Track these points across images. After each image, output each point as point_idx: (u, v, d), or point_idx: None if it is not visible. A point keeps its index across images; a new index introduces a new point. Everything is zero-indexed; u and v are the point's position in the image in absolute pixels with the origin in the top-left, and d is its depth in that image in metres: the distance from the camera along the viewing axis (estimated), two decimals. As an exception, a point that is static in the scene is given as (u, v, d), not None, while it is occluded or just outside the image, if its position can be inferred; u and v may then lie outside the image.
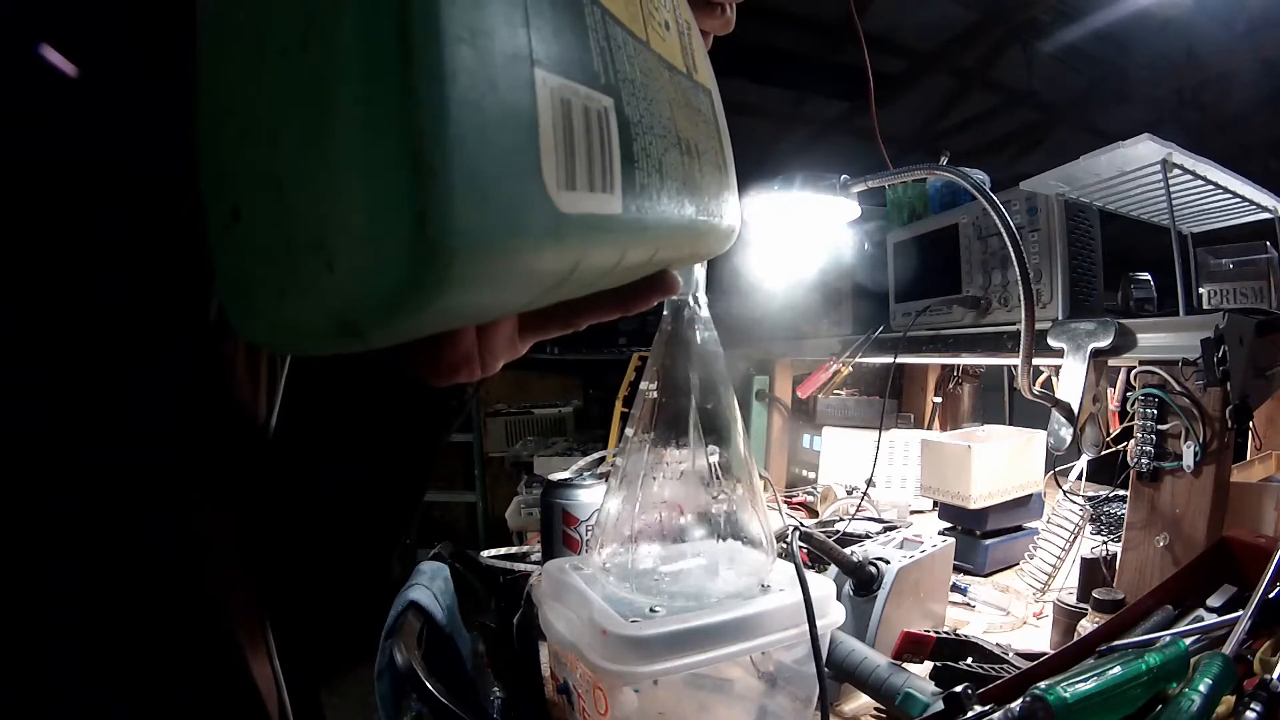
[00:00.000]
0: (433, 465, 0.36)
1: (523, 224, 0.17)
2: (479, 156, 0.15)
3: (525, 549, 0.98)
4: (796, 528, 0.57)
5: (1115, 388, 0.90)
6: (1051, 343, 0.77)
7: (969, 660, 0.57)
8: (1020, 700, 0.39)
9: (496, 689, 0.63)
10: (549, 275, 0.19)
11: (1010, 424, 1.22)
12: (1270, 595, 0.46)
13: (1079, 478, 0.87)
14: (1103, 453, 0.76)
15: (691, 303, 0.50)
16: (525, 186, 0.17)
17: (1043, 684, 0.39)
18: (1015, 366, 0.79)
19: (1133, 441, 0.71)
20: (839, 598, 0.60)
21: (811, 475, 1.37)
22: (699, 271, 0.50)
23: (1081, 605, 0.67)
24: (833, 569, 0.67)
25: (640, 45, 0.24)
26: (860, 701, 0.61)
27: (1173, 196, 0.73)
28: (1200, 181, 0.77)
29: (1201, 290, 0.98)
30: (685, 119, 0.26)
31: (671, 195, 0.24)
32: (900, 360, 1.06)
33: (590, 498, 0.75)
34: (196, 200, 0.20)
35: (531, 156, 0.17)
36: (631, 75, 0.22)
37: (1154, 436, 0.69)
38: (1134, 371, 0.72)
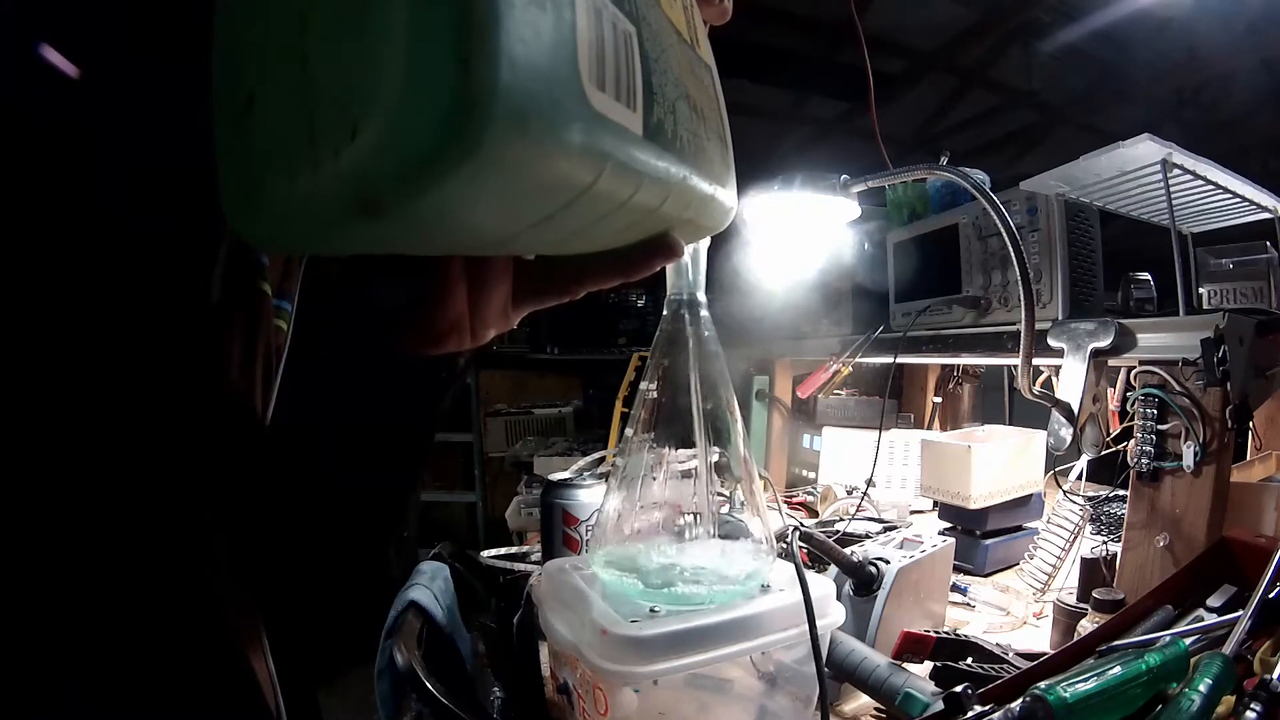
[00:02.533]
0: (428, 443, 0.35)
1: (557, 101, 0.16)
2: (523, 25, 0.15)
3: (525, 549, 0.98)
4: (796, 528, 0.57)
5: (1115, 388, 0.90)
6: (1051, 343, 0.77)
7: (969, 660, 0.57)
8: (1020, 700, 0.39)
9: (496, 689, 0.63)
10: (569, 182, 0.19)
11: (1010, 424, 1.22)
12: (1270, 595, 0.46)
13: (1079, 478, 0.87)
14: (1103, 453, 0.76)
15: (691, 303, 0.50)
16: (562, 66, 0.17)
17: (1043, 684, 0.39)
18: (1015, 366, 0.79)
19: (1133, 441, 0.71)
20: (839, 598, 0.60)
21: (811, 475, 1.37)
22: (699, 271, 0.50)
23: (1081, 605, 0.67)
24: (833, 569, 0.67)
25: (653, 2, 0.24)
26: (860, 701, 0.61)
27: (1173, 196, 0.73)
28: (1200, 181, 0.77)
29: (1201, 290, 0.98)
30: (692, 83, 0.26)
31: (683, 143, 0.24)
32: (900, 360, 1.05)
33: (590, 498, 0.75)
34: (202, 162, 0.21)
35: (569, 42, 0.17)
36: (649, 20, 0.23)
37: (1154, 436, 0.69)
38: (1134, 371, 0.72)
